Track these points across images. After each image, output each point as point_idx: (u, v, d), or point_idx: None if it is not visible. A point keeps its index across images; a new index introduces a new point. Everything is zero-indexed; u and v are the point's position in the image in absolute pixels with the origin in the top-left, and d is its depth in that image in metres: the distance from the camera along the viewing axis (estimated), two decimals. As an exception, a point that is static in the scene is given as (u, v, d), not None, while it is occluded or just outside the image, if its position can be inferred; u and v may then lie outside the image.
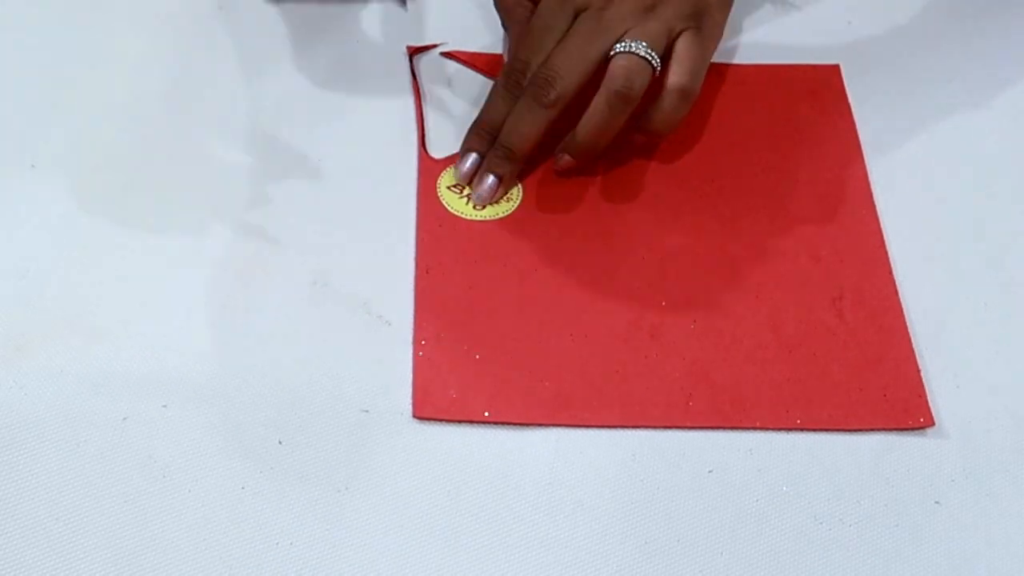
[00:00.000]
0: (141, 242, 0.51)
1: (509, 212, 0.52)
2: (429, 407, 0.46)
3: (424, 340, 0.48)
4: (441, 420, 0.46)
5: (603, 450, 0.46)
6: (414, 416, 0.46)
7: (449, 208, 0.52)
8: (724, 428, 0.47)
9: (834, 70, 0.59)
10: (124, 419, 0.46)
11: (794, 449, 0.47)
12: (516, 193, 0.53)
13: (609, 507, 0.45)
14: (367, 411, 0.47)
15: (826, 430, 0.47)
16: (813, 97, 0.58)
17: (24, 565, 0.42)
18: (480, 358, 0.48)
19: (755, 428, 0.47)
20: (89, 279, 0.49)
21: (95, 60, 0.57)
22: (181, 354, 0.47)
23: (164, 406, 0.46)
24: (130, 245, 0.51)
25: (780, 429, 0.47)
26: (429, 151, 0.55)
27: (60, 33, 0.58)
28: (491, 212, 0.52)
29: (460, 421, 0.46)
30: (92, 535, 0.43)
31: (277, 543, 0.43)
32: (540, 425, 0.46)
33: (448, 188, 0.53)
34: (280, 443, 0.46)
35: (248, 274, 0.50)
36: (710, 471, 0.46)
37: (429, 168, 0.54)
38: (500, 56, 0.59)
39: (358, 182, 0.54)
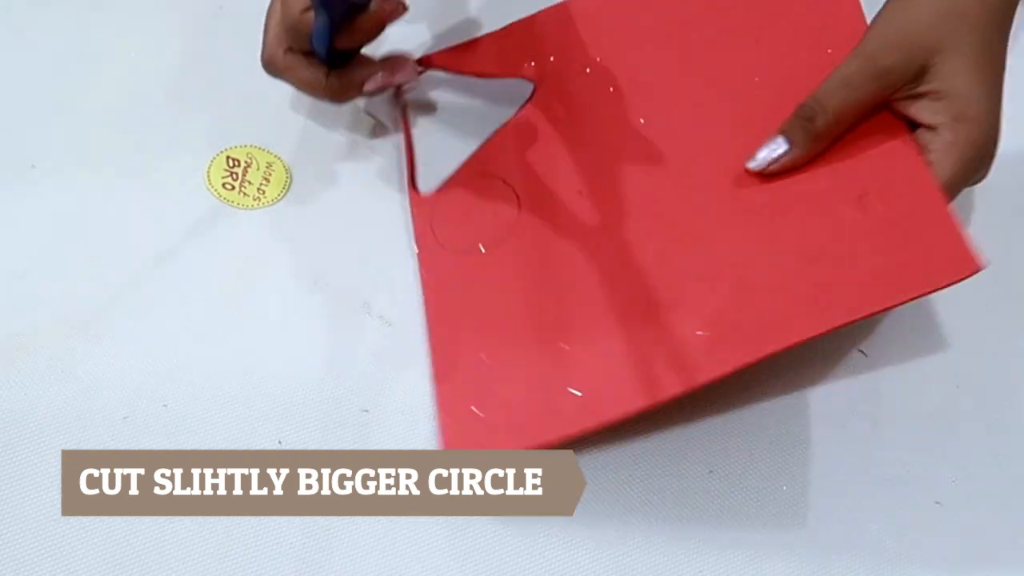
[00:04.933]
0: (141, 242, 0.51)
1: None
2: (459, 440, 0.45)
3: (441, 373, 0.47)
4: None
5: (602, 451, 0.46)
6: (445, 447, 0.45)
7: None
8: (759, 361, 0.42)
9: None
10: (124, 419, 0.46)
11: (794, 449, 0.47)
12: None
13: (609, 507, 0.45)
14: (367, 411, 0.47)
15: (874, 314, 0.43)
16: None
17: (25, 565, 0.42)
18: (501, 385, 0.46)
19: (794, 345, 0.42)
20: (89, 279, 0.49)
21: (95, 60, 0.57)
22: (181, 354, 0.47)
23: (164, 406, 0.46)
24: (130, 245, 0.50)
25: (824, 335, 0.42)
26: (419, 187, 0.53)
27: (61, 33, 0.58)
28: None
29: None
30: (92, 535, 0.43)
31: (278, 543, 0.43)
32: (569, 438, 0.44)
33: None
34: (280, 443, 0.46)
35: (248, 274, 0.50)
36: (710, 471, 0.46)
37: (421, 208, 0.52)
38: (473, 42, 0.55)
39: (359, 182, 0.54)
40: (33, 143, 0.54)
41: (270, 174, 0.54)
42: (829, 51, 0.47)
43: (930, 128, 0.43)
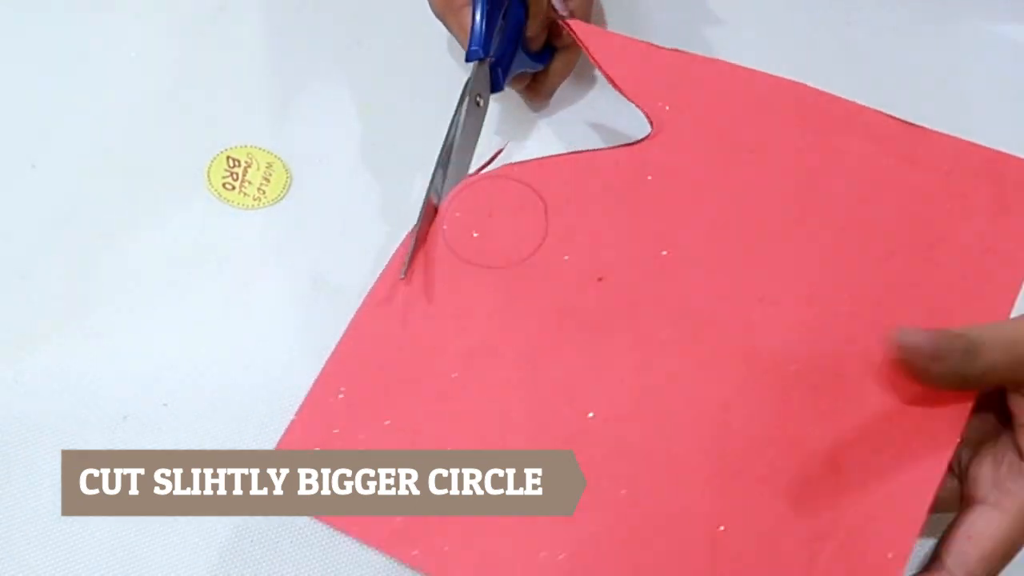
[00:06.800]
0: (141, 242, 0.51)
1: None
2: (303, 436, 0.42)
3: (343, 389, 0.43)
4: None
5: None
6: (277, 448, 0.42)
7: None
8: None
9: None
10: (124, 418, 0.46)
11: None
12: None
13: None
14: (367, 411, 0.46)
15: None
16: (995, 190, 0.43)
17: (25, 565, 0.42)
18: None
19: None
20: (89, 279, 0.49)
21: (96, 60, 0.57)
22: (181, 354, 0.47)
23: (164, 405, 0.46)
24: (130, 245, 0.51)
25: None
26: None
27: (61, 33, 0.58)
28: None
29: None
30: (92, 535, 0.43)
31: (278, 542, 0.43)
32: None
33: None
34: (280, 443, 0.46)
35: (248, 274, 0.50)
36: (710, 471, 0.46)
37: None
38: (627, 39, 0.47)
39: (358, 181, 0.53)
40: (33, 143, 0.54)
41: (270, 174, 0.54)
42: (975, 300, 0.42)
43: None
